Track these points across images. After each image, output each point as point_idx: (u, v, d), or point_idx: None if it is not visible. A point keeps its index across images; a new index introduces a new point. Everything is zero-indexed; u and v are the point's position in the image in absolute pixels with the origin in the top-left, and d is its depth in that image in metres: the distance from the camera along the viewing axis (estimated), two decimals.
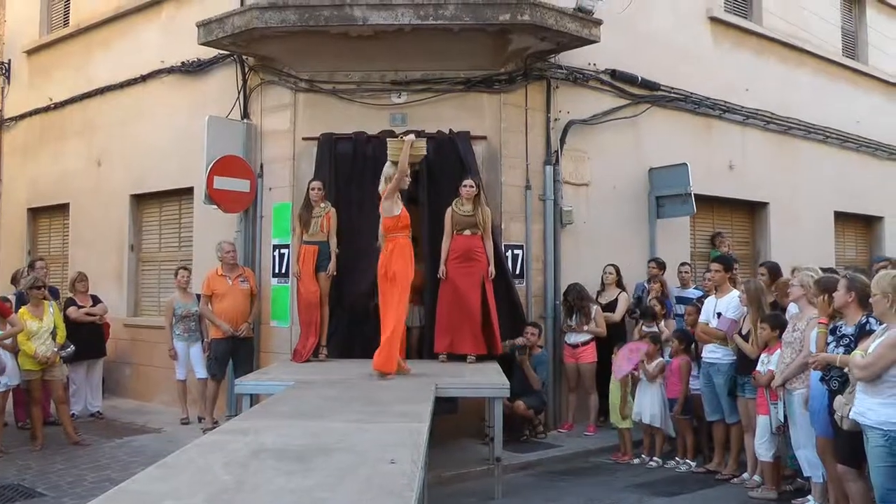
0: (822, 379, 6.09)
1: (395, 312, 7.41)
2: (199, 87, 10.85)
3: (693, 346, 8.35)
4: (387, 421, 5.30)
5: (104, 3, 12.44)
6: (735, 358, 7.63)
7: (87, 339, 10.07)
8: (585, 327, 9.37)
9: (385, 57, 9.31)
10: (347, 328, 8.89)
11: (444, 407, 7.33)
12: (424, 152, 8.15)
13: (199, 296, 9.74)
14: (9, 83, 14.61)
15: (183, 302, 9.86)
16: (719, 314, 7.83)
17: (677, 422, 8.35)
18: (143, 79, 11.63)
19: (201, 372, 9.77)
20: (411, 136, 7.86)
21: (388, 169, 7.77)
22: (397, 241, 7.54)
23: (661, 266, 10.14)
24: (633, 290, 10.21)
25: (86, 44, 12.88)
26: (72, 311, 10.10)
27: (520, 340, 8.87)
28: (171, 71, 11.19)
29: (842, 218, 14.51)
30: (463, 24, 8.83)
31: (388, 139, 8.21)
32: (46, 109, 13.55)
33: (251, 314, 9.43)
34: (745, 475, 7.58)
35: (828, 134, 13.86)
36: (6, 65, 14.57)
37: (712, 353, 7.84)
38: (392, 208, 7.57)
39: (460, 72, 9.46)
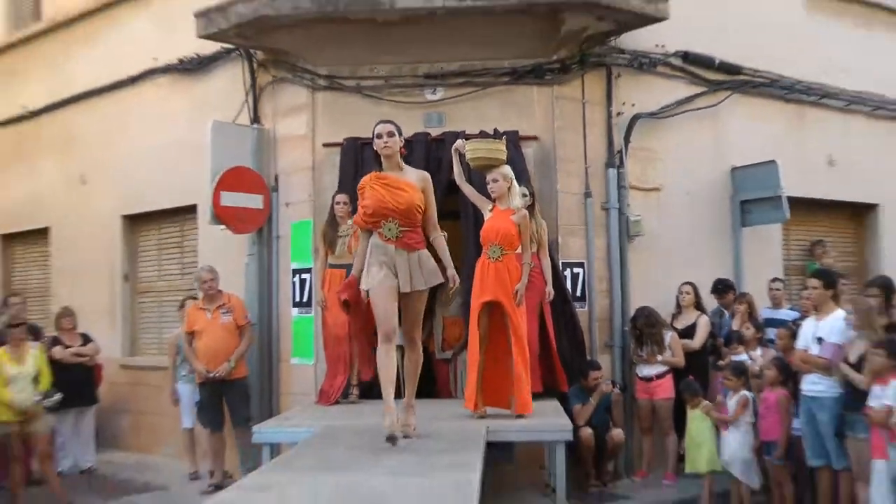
0: None
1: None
2: (199, 87, 11.08)
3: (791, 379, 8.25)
4: (431, 473, 5.36)
5: None
6: (842, 391, 7.51)
7: (75, 383, 10.23)
8: (659, 357, 9.46)
9: (417, 46, 9.45)
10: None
11: (498, 454, 7.40)
12: (503, 156, 7.91)
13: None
14: None
15: None
16: (820, 339, 7.71)
17: (773, 468, 8.29)
18: (133, 80, 11.87)
19: (187, 420, 10.08)
20: (460, 142, 7.94)
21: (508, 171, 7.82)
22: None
23: (730, 288, 10.21)
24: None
25: (63, 41, 13.12)
26: (57, 351, 10.26)
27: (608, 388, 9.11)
28: (165, 70, 11.43)
29: None
30: (506, 4, 8.97)
31: (468, 139, 8.14)
32: (19, 120, 13.82)
33: (238, 351, 9.48)
34: None
35: None
36: None
37: (814, 385, 7.69)
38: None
39: (505, 61, 9.58)
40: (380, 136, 6.61)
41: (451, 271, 6.79)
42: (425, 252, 6.67)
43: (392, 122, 6.73)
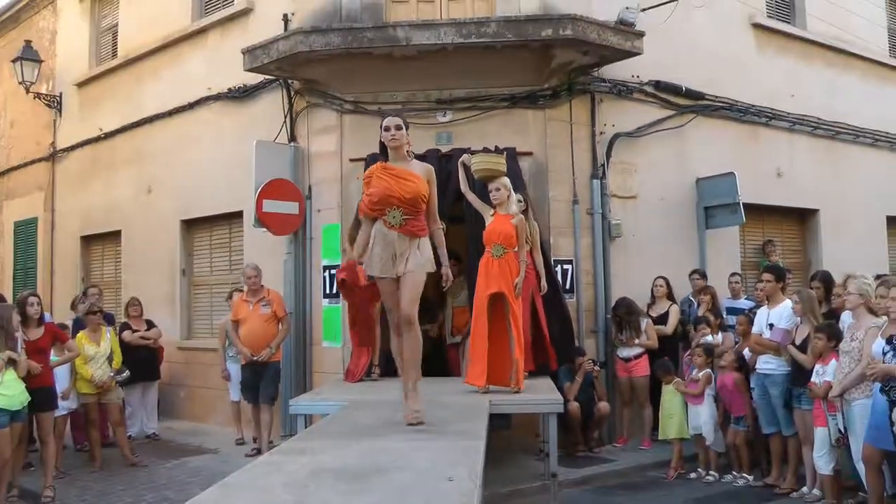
0: (881, 390, 6.04)
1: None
2: (245, 112, 10.99)
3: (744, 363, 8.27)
4: (442, 439, 5.26)
5: (151, 33, 12.63)
6: (790, 369, 7.50)
7: (141, 362, 10.24)
8: (637, 341, 9.35)
9: (429, 76, 9.37)
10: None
11: (498, 423, 7.30)
12: (504, 168, 7.89)
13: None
14: (61, 115, 14.88)
15: None
16: (771, 325, 7.72)
17: (734, 435, 8.19)
18: (191, 106, 11.81)
19: (234, 394, 9.97)
20: (466, 156, 7.91)
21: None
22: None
23: (704, 276, 10.11)
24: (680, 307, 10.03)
25: (134, 74, 13.10)
26: (126, 335, 10.28)
27: (590, 367, 9.00)
28: (217, 98, 11.36)
29: (894, 223, 14.19)
30: (505, 41, 8.87)
31: (474, 154, 8.05)
32: (97, 140, 13.77)
33: (277, 339, 9.18)
34: (805, 489, 7.43)
35: (877, 137, 13.62)
36: (58, 98, 14.85)
37: (766, 364, 7.72)
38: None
39: (504, 88, 9.50)
40: (388, 129, 5.73)
41: (445, 269, 5.98)
42: (426, 240, 5.79)
43: (400, 116, 5.92)
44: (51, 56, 15.13)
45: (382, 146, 5.78)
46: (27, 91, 14.48)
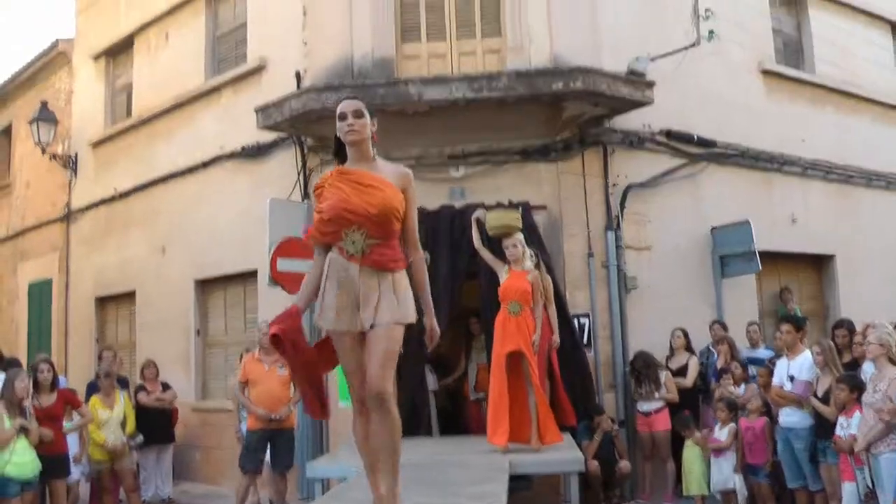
0: None
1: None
2: (259, 170, 10.96)
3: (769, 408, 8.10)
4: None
5: (164, 93, 12.67)
6: (813, 422, 7.33)
7: (156, 425, 10.14)
8: (656, 394, 9.16)
9: (442, 131, 9.34)
10: (411, 408, 8.73)
11: (518, 484, 7.09)
12: (520, 224, 7.92)
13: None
14: (76, 176, 14.91)
15: None
16: (792, 377, 7.56)
17: (759, 489, 7.98)
18: (205, 165, 11.79)
19: None
20: (480, 212, 7.86)
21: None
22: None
23: (724, 328, 9.87)
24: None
25: (148, 134, 13.12)
26: (141, 396, 10.19)
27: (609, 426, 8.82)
28: (231, 156, 11.34)
29: None
30: (517, 94, 8.85)
31: (489, 209, 8.09)
32: (111, 199, 13.76)
33: (295, 398, 8.55)
34: None
35: (890, 180, 13.50)
36: (73, 158, 14.87)
37: (789, 416, 7.55)
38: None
39: (516, 142, 9.48)
40: (343, 118, 4.11)
41: (431, 320, 4.28)
42: (403, 276, 4.09)
43: (358, 98, 4.28)
44: (66, 116, 15.18)
45: (339, 143, 4.28)
46: (43, 152, 14.54)
